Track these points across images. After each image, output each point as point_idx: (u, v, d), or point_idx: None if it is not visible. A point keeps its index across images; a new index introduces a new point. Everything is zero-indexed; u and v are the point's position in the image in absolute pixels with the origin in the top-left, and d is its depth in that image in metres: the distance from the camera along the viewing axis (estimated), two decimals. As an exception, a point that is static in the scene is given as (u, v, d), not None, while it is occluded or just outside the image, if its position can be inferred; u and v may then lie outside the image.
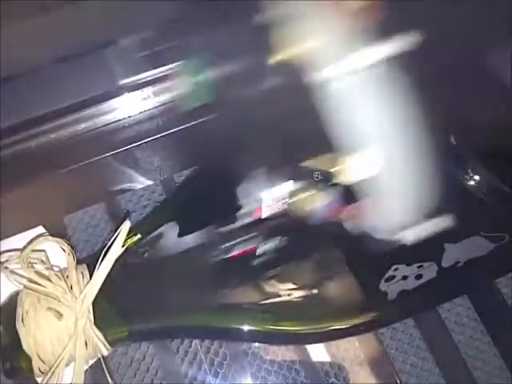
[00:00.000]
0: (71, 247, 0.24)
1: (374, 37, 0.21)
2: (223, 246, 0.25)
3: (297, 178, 0.25)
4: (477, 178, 0.27)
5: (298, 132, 0.23)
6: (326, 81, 0.19)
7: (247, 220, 0.26)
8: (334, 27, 0.17)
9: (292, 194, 0.25)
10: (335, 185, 0.25)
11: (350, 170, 0.24)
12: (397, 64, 0.23)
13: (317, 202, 0.25)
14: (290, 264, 0.26)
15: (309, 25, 0.17)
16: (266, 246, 0.25)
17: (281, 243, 0.25)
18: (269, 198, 0.25)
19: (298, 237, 0.26)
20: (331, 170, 0.25)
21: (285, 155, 0.25)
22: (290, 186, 0.25)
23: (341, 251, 0.26)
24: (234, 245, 0.25)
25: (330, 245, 0.26)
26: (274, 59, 0.19)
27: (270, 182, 0.24)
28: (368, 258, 0.26)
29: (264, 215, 0.25)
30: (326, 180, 0.25)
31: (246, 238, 0.25)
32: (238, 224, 0.26)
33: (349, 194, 0.25)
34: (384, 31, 0.22)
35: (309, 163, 0.25)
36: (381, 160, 0.23)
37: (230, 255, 0.25)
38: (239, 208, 0.26)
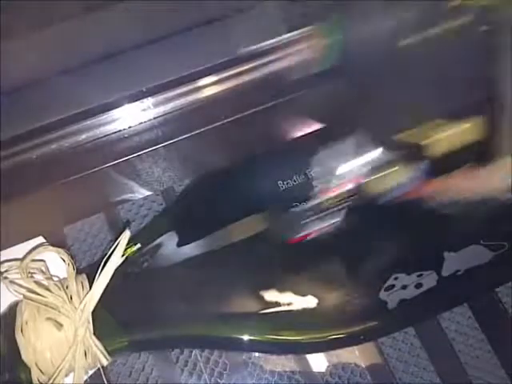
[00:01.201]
0: (71, 257, 0.24)
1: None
2: (297, 225, 0.24)
3: (386, 150, 0.25)
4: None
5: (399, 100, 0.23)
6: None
7: (322, 196, 0.25)
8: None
9: (377, 168, 0.25)
10: (424, 158, 0.24)
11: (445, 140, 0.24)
12: None
13: (401, 177, 0.25)
14: (301, 270, 0.25)
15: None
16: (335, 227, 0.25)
17: (352, 223, 0.25)
18: (347, 172, 0.24)
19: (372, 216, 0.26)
20: (423, 143, 0.25)
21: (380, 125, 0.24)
22: (375, 158, 0.24)
23: (340, 261, 0.26)
24: (307, 223, 0.24)
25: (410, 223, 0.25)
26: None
27: (352, 154, 0.24)
28: (367, 267, 0.26)
29: (341, 191, 0.25)
30: (414, 153, 0.24)
31: (319, 216, 0.25)
32: (313, 202, 0.25)
33: (438, 167, 0.25)
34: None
35: (401, 135, 0.25)
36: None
37: (301, 235, 0.24)
38: (240, 216, 0.26)
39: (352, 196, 0.25)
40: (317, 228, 0.25)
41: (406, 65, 0.24)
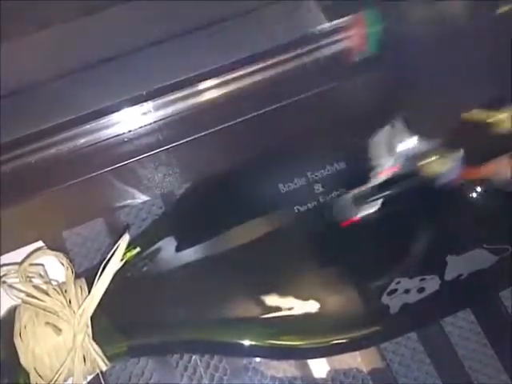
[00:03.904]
0: (70, 261, 0.24)
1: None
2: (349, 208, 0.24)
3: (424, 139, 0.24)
4: (478, 189, 0.27)
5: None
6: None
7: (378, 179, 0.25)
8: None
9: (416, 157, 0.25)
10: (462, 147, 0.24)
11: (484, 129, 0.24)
12: None
13: (440, 167, 0.25)
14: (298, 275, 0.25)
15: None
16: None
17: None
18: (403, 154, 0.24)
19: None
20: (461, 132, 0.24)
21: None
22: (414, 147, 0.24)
23: (342, 264, 0.26)
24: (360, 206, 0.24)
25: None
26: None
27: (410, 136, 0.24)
28: (370, 270, 0.26)
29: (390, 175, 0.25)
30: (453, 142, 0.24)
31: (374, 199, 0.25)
32: (371, 183, 0.25)
33: (476, 156, 0.25)
34: None
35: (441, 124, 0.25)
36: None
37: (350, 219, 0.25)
38: (240, 220, 0.26)
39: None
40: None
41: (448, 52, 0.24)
